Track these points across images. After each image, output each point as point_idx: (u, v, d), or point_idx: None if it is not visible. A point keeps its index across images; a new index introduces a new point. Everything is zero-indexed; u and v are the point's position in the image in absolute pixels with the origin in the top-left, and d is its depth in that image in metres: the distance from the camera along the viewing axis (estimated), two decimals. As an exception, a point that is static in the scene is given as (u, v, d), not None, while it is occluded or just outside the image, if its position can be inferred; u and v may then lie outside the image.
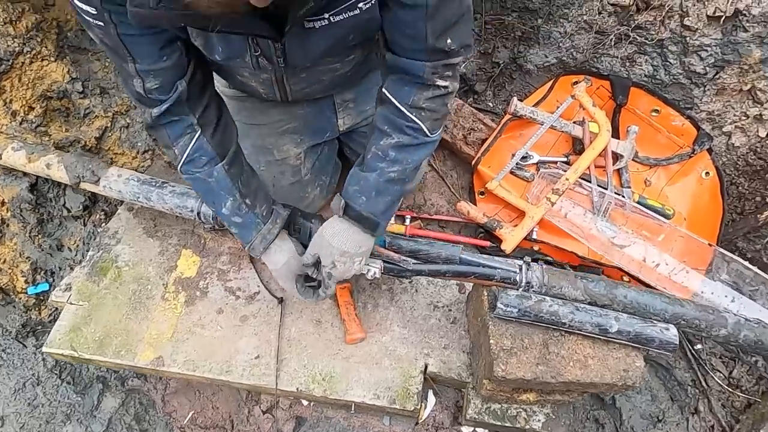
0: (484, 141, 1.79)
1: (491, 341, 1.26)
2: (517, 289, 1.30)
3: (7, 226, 1.72)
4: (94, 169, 1.47)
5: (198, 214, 1.43)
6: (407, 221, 1.72)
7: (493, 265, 1.31)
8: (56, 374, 1.83)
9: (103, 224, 1.69)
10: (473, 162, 1.75)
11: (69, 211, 1.71)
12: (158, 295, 1.50)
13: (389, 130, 1.09)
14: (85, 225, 1.74)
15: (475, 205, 1.74)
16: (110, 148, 1.80)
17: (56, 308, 1.69)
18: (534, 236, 1.66)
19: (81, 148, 1.73)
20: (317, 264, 1.21)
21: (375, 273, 1.29)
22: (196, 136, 1.11)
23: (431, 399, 1.42)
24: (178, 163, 1.16)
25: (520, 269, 1.31)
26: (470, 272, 1.30)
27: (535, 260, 1.37)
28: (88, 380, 1.83)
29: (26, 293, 1.77)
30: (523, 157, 1.78)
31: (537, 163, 1.81)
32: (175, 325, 1.44)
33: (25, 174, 1.65)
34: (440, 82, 1.03)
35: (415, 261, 1.33)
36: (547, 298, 1.27)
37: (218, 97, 1.17)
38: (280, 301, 1.49)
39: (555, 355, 1.24)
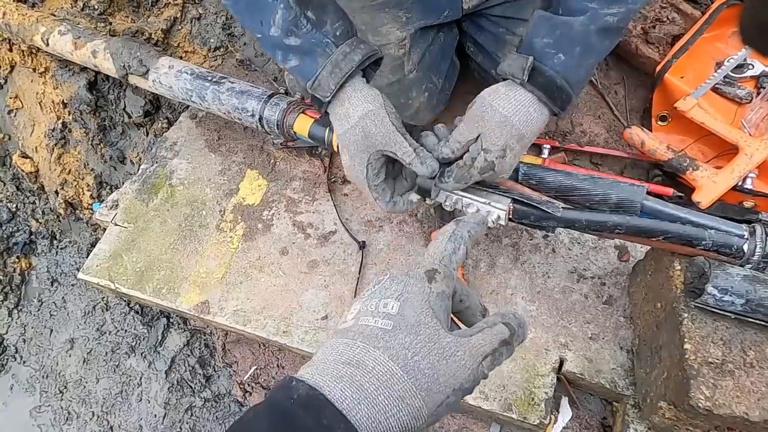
0: (676, 39, 1.19)
1: (687, 346, 0.76)
2: (743, 266, 0.77)
3: (70, 131, 1.51)
4: (143, 57, 1.15)
5: (260, 119, 1.06)
6: (545, 152, 1.22)
7: (703, 222, 0.79)
8: (125, 301, 1.66)
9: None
10: (657, 69, 1.18)
11: (130, 116, 1.44)
12: (213, 223, 1.18)
13: None
14: (147, 134, 1.47)
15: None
16: (179, 44, 1.49)
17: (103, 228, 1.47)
18: (748, 186, 1.08)
19: (145, 42, 1.44)
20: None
21: (499, 217, 0.83)
22: None
23: (566, 410, 0.97)
24: None
25: (752, 233, 0.78)
26: (659, 230, 0.79)
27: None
28: (156, 312, 1.64)
29: (91, 209, 1.59)
30: (738, 66, 1.17)
31: (758, 77, 1.18)
32: (228, 263, 1.12)
33: (82, 69, 1.40)
34: None
35: (566, 205, 0.85)
36: (802, 286, 0.73)
37: None
38: (362, 246, 1.11)
39: (807, 386, 0.72)
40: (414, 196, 0.85)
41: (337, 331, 0.43)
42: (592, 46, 0.73)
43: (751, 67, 1.18)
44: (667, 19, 1.19)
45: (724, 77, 1.16)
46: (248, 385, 1.38)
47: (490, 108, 0.75)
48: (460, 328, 0.48)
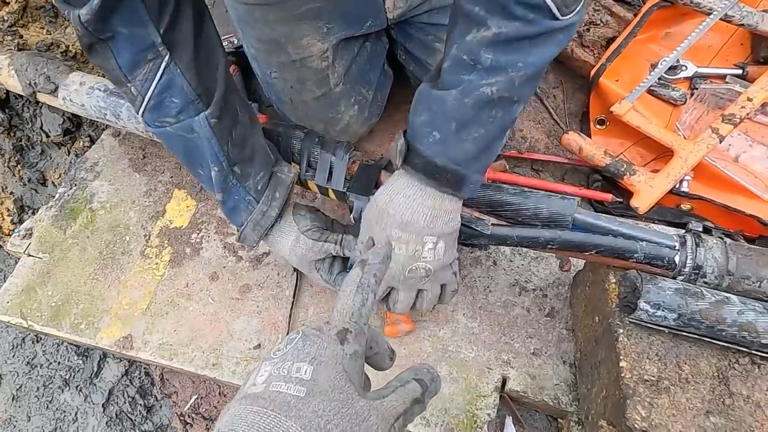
0: (610, 41, 1.18)
1: (622, 364, 0.74)
2: (675, 278, 0.76)
3: (-17, 153, 1.39)
4: (51, 73, 1.06)
5: (179, 138, 0.99)
6: (485, 161, 1.18)
7: (633, 233, 0.77)
8: (57, 331, 1.56)
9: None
10: (592, 73, 1.16)
11: (48, 135, 1.34)
12: (137, 249, 1.10)
13: (482, 13, 0.60)
14: (69, 154, 1.38)
15: (590, 138, 1.17)
16: (101, 57, 1.39)
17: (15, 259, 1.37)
18: (684, 189, 1.07)
19: (62, 56, 1.34)
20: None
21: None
22: (163, 65, 0.67)
23: (510, 430, 0.94)
24: (138, 108, 0.72)
25: (683, 243, 0.76)
26: (590, 244, 0.77)
27: (684, 227, 0.80)
28: (91, 341, 1.53)
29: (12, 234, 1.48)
30: (672, 68, 1.17)
31: (692, 78, 1.19)
32: (153, 292, 1.05)
33: (-10, 86, 1.29)
34: None
35: (497, 221, 0.82)
36: (733, 297, 0.72)
37: None
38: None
39: (741, 399, 0.70)
40: None
41: (246, 395, 0.40)
42: (471, 120, 0.64)
43: (684, 68, 1.18)
44: (601, 21, 1.18)
45: (659, 79, 1.15)
46: (188, 416, 1.31)
47: (372, 204, 0.74)
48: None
